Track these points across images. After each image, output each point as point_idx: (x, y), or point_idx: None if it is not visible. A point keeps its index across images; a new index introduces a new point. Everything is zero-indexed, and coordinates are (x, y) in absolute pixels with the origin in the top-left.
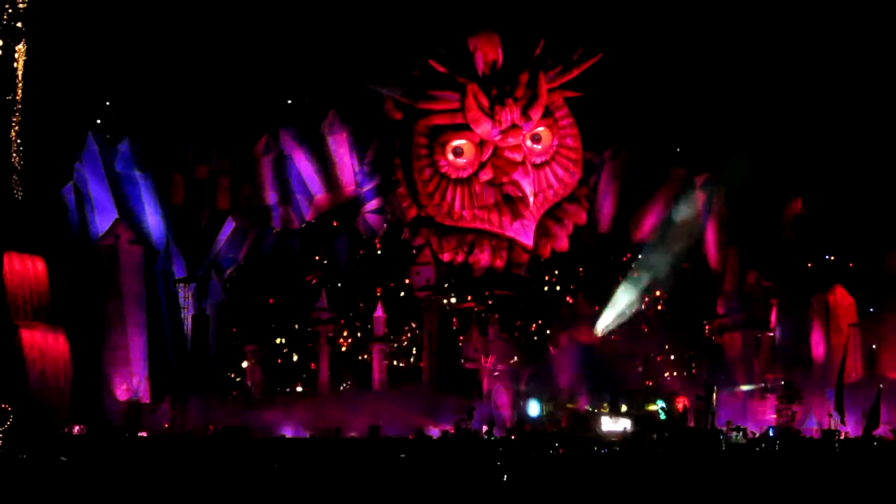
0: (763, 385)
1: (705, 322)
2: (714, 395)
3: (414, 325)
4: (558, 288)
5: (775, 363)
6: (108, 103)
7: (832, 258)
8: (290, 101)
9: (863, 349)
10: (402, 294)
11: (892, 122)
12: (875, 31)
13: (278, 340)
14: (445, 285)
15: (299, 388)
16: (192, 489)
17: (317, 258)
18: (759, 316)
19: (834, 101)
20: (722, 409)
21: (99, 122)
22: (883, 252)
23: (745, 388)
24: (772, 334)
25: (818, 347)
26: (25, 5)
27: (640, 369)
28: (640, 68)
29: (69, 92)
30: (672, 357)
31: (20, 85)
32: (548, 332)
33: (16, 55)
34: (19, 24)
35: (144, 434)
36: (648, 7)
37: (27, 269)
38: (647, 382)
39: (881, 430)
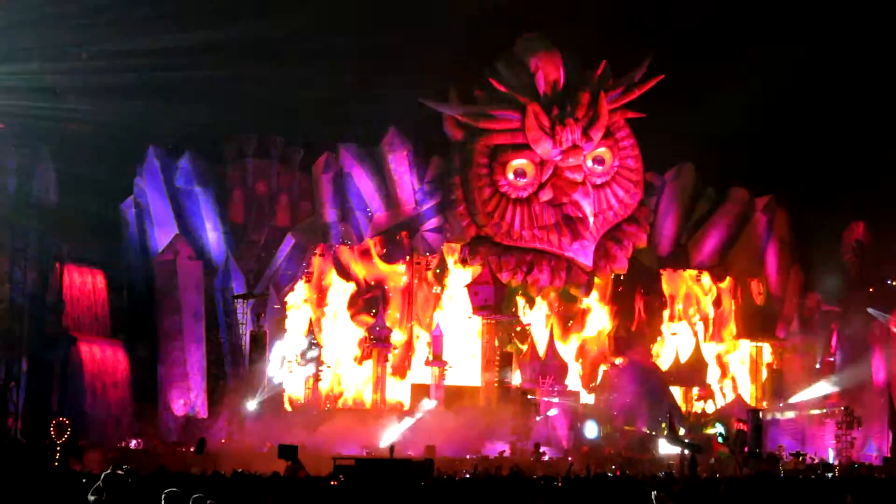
0: (822, 410)
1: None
2: (759, 420)
3: (471, 345)
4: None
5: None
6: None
7: (894, 283)
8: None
9: None
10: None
11: None
12: None
13: (336, 358)
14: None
15: (356, 406)
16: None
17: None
18: (820, 340)
19: None
20: (780, 434)
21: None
22: None
23: (809, 412)
24: (832, 359)
25: (879, 373)
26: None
27: (698, 391)
28: (702, 89)
29: (130, 106)
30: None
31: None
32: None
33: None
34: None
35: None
36: (708, 26)
37: (87, 283)
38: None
39: None
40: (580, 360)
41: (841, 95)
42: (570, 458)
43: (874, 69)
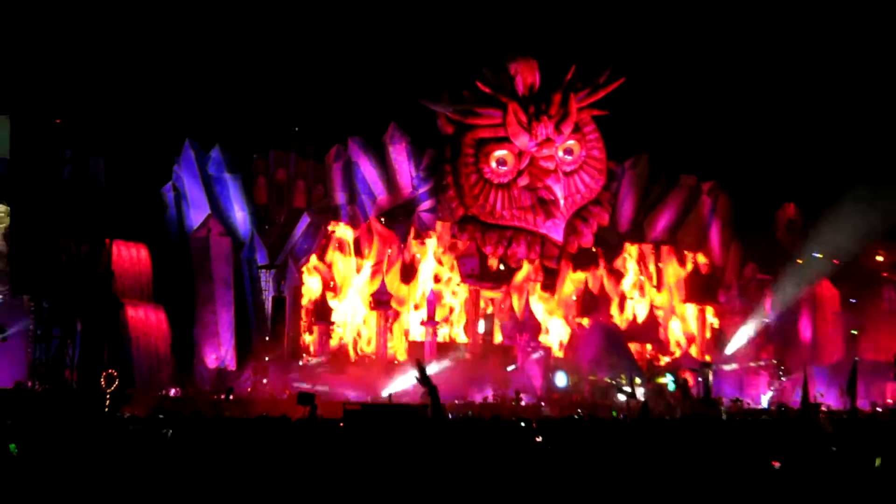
0: (758, 363)
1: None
2: (710, 371)
3: (459, 308)
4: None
5: (769, 344)
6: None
7: (820, 255)
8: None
9: (844, 334)
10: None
11: (874, 134)
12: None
13: (343, 320)
14: (488, 274)
15: (361, 359)
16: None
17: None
18: (756, 304)
19: (823, 117)
20: (722, 383)
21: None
22: (863, 251)
23: (742, 365)
24: (766, 320)
25: (806, 331)
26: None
27: (653, 347)
28: (657, 89)
29: (168, 104)
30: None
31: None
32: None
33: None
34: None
35: (231, 396)
36: (662, 35)
37: (132, 256)
38: (658, 359)
39: (860, 403)
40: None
41: (774, 93)
42: (543, 404)
43: (804, 71)
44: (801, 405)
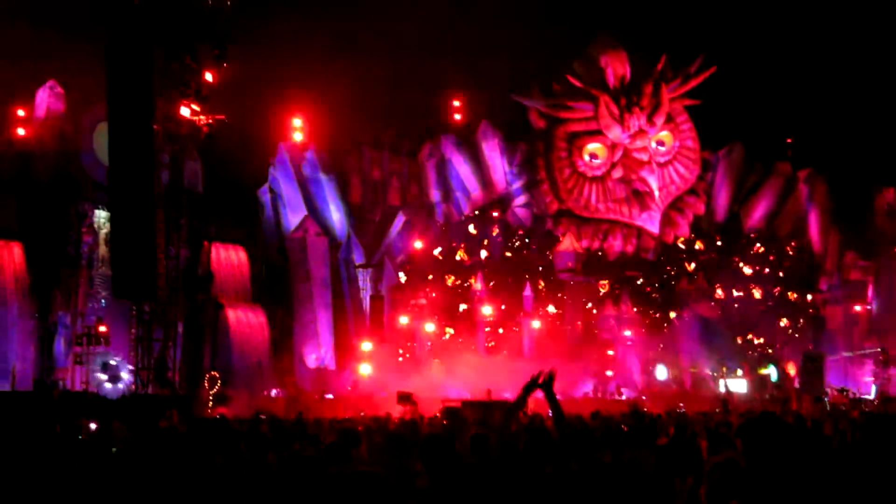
0: (861, 352)
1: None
2: (819, 361)
3: (558, 303)
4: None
5: (872, 333)
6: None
7: None
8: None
9: None
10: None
11: None
12: None
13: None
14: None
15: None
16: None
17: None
18: (857, 292)
19: None
20: (826, 374)
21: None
22: None
23: (845, 354)
24: (869, 307)
25: None
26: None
27: (754, 339)
28: (750, 76)
29: (263, 109)
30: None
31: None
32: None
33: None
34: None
35: (331, 396)
36: (753, 22)
37: (231, 258)
38: (760, 350)
39: None
40: None
41: (868, 76)
42: (643, 397)
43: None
44: None
